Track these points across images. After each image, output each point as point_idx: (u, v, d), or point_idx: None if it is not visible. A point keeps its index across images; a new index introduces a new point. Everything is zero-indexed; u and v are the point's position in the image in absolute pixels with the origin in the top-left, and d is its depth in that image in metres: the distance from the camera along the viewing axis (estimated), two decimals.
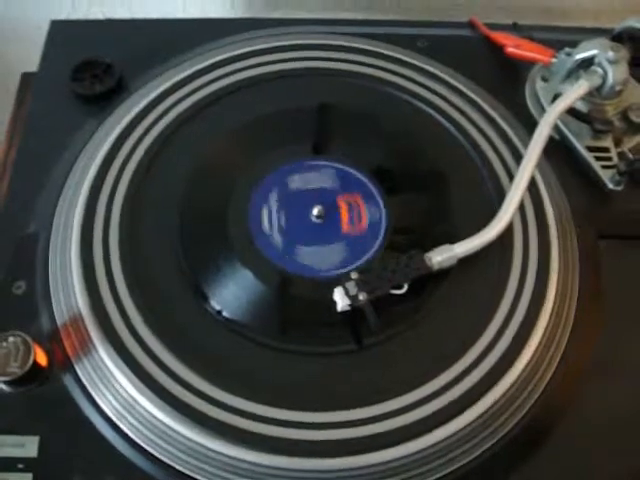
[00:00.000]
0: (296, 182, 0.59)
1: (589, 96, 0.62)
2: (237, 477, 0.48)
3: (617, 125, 0.63)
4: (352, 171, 0.60)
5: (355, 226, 0.57)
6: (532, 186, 0.58)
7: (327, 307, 0.51)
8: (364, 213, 0.57)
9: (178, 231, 0.56)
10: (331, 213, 0.57)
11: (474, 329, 0.52)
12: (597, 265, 0.58)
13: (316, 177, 0.59)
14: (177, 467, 0.48)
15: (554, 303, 0.54)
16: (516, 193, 0.56)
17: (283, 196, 0.58)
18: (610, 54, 0.61)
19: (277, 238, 0.56)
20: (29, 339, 0.50)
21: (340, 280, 0.51)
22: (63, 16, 0.83)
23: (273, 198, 0.58)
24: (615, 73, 0.61)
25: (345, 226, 0.57)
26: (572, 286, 0.56)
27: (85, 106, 0.65)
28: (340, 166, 0.60)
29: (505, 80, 0.68)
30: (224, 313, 0.53)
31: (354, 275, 0.51)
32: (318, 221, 0.57)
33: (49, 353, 0.52)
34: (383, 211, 0.58)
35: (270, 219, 0.57)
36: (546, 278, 0.54)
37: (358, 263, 0.55)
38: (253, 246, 0.55)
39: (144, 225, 0.56)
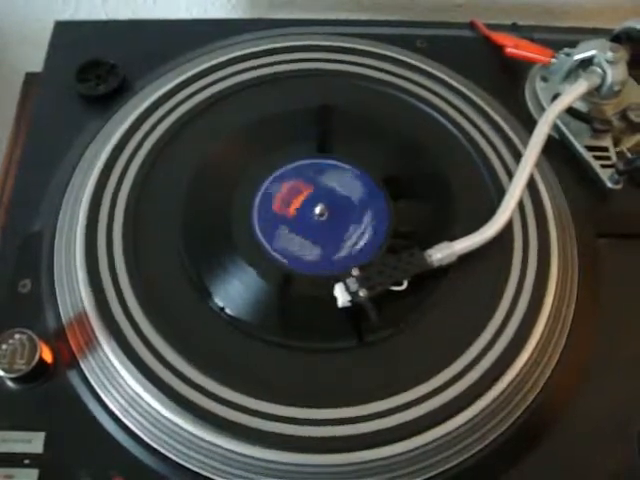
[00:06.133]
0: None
1: (588, 96, 0.63)
2: (240, 471, 0.48)
3: (616, 125, 0.63)
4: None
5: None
6: (531, 185, 0.58)
7: (329, 304, 0.52)
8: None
9: (182, 229, 0.57)
10: (334, 212, 0.58)
11: (474, 326, 0.53)
12: (596, 263, 0.58)
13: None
14: (181, 462, 0.49)
15: (553, 300, 0.54)
16: (515, 191, 0.56)
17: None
18: (609, 54, 0.61)
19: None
20: (35, 336, 0.51)
21: (341, 277, 0.52)
22: (67, 17, 0.84)
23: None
24: (614, 73, 0.62)
25: None
26: (571, 283, 0.56)
27: (89, 106, 0.65)
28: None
29: (505, 80, 0.69)
30: (227, 310, 0.54)
31: (355, 271, 0.52)
32: (320, 219, 0.57)
33: (55, 350, 0.52)
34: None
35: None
36: (546, 275, 0.55)
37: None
38: (256, 244, 0.56)
39: (148, 224, 0.57)
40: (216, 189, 0.59)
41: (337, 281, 0.52)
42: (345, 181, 0.60)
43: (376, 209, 0.58)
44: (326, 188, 0.59)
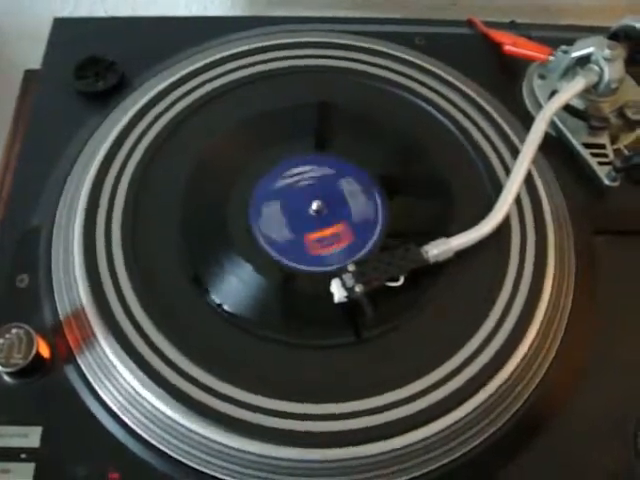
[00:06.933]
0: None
1: (586, 93, 0.63)
2: (237, 467, 0.48)
3: (613, 122, 0.63)
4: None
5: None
6: (529, 181, 0.58)
7: (326, 300, 0.52)
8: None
9: (180, 225, 0.57)
10: (331, 209, 0.58)
11: (471, 323, 0.53)
12: (593, 260, 0.58)
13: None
14: (178, 457, 0.49)
15: (550, 297, 0.54)
16: (512, 187, 0.56)
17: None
18: (606, 52, 0.62)
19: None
20: (32, 331, 0.51)
21: (338, 272, 0.52)
22: (66, 13, 0.84)
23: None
24: (611, 71, 0.62)
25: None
26: (568, 280, 0.56)
27: (88, 103, 0.65)
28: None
29: (503, 78, 0.69)
30: (225, 307, 0.54)
31: (351, 267, 0.52)
32: (317, 216, 0.57)
33: (52, 345, 0.52)
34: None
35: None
36: (543, 272, 0.55)
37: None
38: (253, 240, 0.56)
39: (146, 219, 0.57)
40: (214, 185, 0.59)
41: (334, 277, 0.52)
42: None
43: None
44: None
